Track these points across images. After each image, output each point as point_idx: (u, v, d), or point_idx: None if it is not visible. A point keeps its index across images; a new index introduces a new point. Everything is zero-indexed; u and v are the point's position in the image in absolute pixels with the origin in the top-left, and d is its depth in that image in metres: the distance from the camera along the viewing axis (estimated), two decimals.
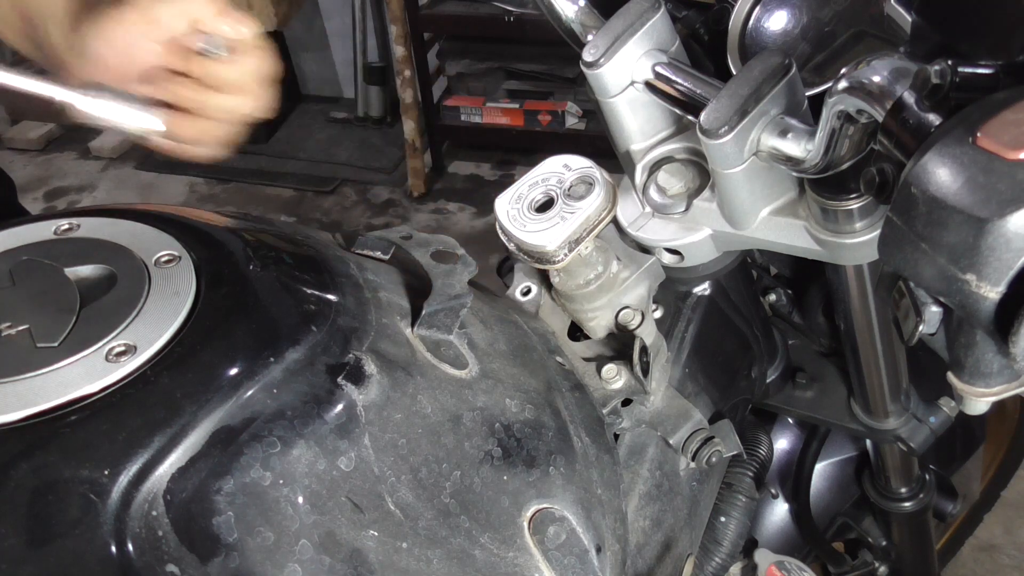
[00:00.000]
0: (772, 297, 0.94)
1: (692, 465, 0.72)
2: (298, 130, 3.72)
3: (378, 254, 0.65)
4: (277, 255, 0.55)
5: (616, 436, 0.70)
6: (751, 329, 0.86)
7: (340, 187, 3.41)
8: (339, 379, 0.49)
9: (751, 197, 0.67)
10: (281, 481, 0.45)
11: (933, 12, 0.57)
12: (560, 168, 0.69)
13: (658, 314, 0.78)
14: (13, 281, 0.51)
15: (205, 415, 0.45)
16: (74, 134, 3.83)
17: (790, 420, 1.11)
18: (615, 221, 0.75)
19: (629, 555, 0.65)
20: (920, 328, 0.56)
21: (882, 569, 1.21)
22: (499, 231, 0.69)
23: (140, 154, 3.72)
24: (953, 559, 1.63)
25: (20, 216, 0.65)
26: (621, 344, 0.72)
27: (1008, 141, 0.41)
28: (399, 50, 3.04)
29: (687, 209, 0.73)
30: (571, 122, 3.14)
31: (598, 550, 0.58)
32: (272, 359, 0.48)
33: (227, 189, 3.49)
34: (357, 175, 3.45)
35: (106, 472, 0.42)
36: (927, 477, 1.08)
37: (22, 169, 3.59)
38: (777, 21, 0.71)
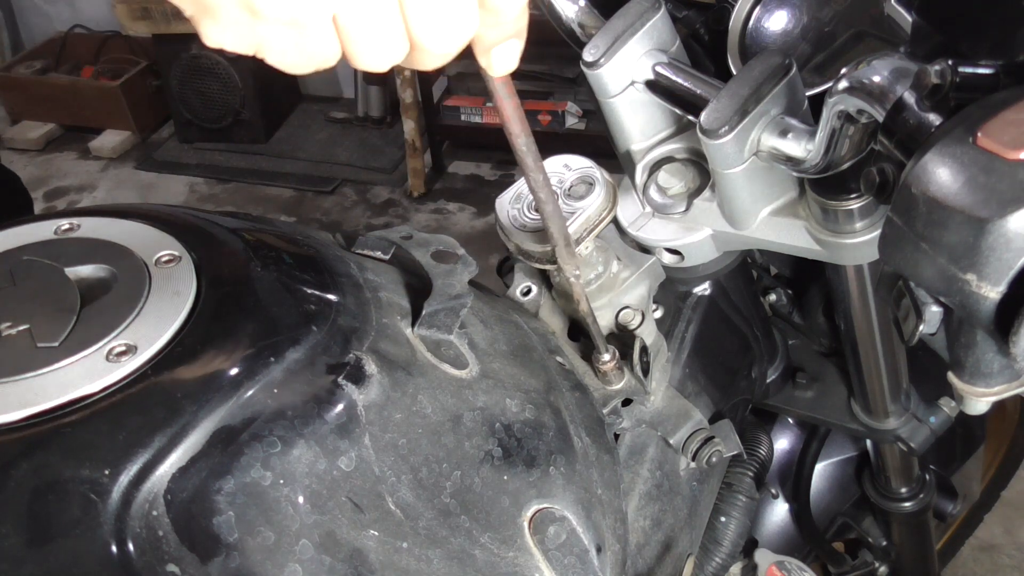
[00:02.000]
0: (772, 297, 0.94)
1: (692, 465, 0.72)
2: (298, 130, 3.72)
3: (378, 254, 0.64)
4: (277, 255, 0.55)
5: (616, 436, 0.70)
6: (751, 329, 0.86)
7: (340, 187, 3.41)
8: (339, 379, 0.49)
9: (751, 197, 0.67)
10: (281, 481, 0.45)
11: (933, 12, 0.57)
12: (560, 168, 0.69)
13: (658, 314, 0.78)
14: (14, 281, 0.51)
15: (205, 415, 0.45)
16: (74, 134, 3.83)
17: (790, 420, 1.11)
18: (615, 221, 0.75)
19: (629, 555, 0.65)
20: (920, 328, 0.56)
21: (882, 569, 1.21)
22: (499, 231, 0.69)
23: (140, 154, 3.72)
24: (953, 559, 1.63)
25: None
26: (621, 344, 0.72)
27: (1008, 141, 0.41)
28: None
29: (687, 209, 0.73)
30: (571, 122, 3.14)
31: (598, 550, 0.58)
32: (272, 359, 0.48)
33: (227, 189, 3.49)
34: (357, 175, 3.45)
35: (106, 472, 0.42)
36: (927, 477, 1.08)
37: (22, 169, 3.58)
38: (777, 21, 0.71)
